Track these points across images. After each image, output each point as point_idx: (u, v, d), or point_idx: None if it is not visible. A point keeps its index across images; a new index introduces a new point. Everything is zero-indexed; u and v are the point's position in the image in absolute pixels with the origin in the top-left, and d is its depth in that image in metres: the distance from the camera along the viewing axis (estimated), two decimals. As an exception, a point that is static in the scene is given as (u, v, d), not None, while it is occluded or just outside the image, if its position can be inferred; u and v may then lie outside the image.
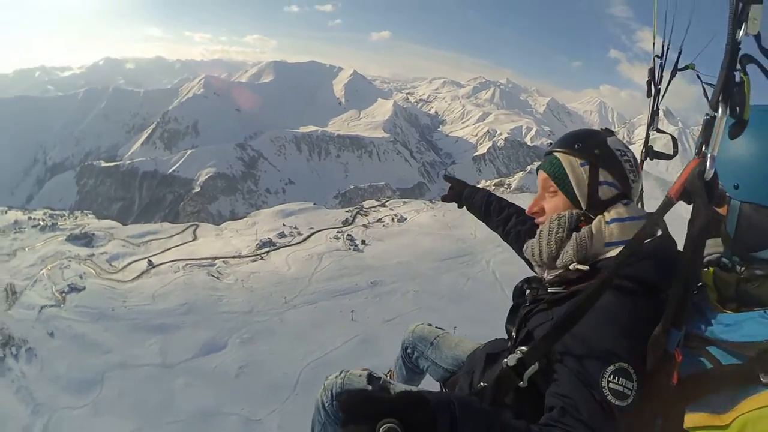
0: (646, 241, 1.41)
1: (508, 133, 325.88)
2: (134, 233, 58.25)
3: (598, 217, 1.73)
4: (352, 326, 35.63)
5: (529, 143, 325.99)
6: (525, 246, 1.96)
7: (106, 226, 60.91)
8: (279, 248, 54.74)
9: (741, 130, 1.15)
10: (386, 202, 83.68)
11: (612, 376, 1.34)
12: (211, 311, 38.02)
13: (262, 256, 52.21)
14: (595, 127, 2.13)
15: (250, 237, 58.64)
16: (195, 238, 59.11)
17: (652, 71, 2.41)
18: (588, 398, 1.33)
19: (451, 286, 42.74)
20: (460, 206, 3.18)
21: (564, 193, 1.83)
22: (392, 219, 66.26)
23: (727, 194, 1.40)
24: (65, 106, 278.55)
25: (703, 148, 1.23)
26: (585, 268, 1.63)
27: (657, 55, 2.37)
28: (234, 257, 51.34)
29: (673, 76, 2.28)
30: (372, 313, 37.77)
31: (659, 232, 1.51)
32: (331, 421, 2.50)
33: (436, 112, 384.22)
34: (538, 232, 1.87)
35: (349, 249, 53.88)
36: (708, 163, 1.18)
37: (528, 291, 1.91)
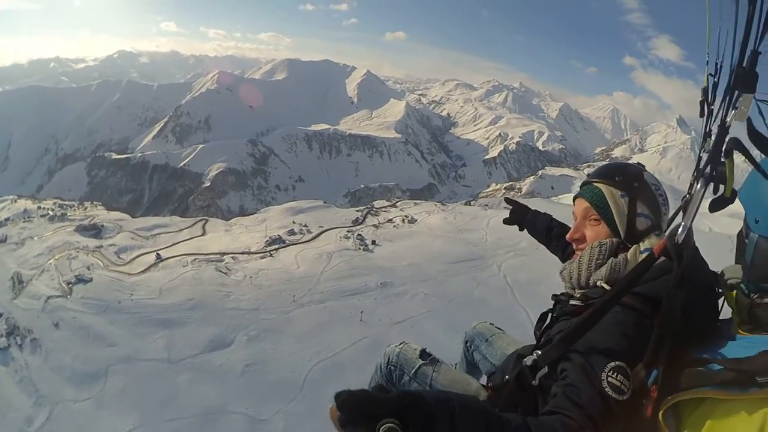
0: (657, 262, 1.62)
1: (519, 137, 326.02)
2: (143, 226, 58.13)
3: (634, 246, 1.89)
4: (360, 327, 35.04)
5: (540, 148, 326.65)
6: (562, 268, 2.10)
7: (115, 218, 60.87)
8: (288, 246, 54.34)
9: (719, 207, 1.35)
10: (397, 202, 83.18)
11: (611, 371, 1.47)
12: (218, 307, 37.57)
13: (271, 253, 51.78)
14: (630, 162, 2.21)
15: (260, 233, 58.32)
16: (204, 233, 58.88)
17: (705, 90, 2.26)
18: (588, 387, 1.47)
19: (461, 290, 42.03)
20: (521, 229, 3.40)
21: (606, 223, 1.98)
22: (403, 220, 65.78)
23: (748, 228, 1.47)
24: (79, 98, 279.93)
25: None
26: (608, 287, 1.80)
27: (710, 74, 2.22)
28: (243, 253, 50.92)
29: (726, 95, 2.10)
30: (381, 314, 37.17)
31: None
32: (385, 381, 2.89)
33: (448, 114, 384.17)
34: (578, 257, 2.00)
35: (359, 249, 53.37)
36: (680, 230, 1.36)
37: (556, 303, 2.08)
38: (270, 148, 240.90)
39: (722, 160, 1.39)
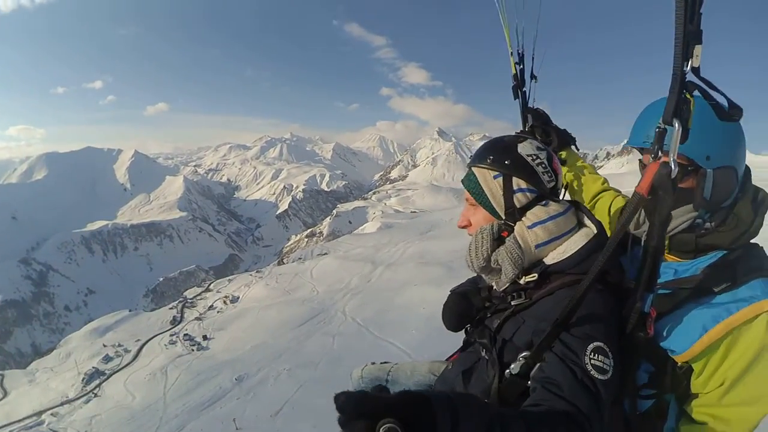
0: (586, 242, 1.80)
1: (304, 185, 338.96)
2: (-69, 417, 47.07)
3: (518, 223, 1.89)
4: (240, 437, 31.94)
5: (326, 189, 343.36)
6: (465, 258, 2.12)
7: None
8: (111, 376, 48.16)
9: (687, 137, 1.55)
10: (209, 285, 79.38)
11: (593, 353, 1.55)
12: (62, 484, 31.50)
13: (95, 392, 45.33)
14: (509, 134, 2.18)
15: (71, 372, 50.76)
16: (5, 394, 49.77)
17: (515, 77, 2.85)
18: (568, 376, 1.51)
19: (321, 350, 40.85)
20: None
21: (483, 206, 1.98)
22: (224, 302, 63.12)
23: (699, 166, 1.73)
24: None
25: (659, 153, 1.56)
26: (533, 278, 1.85)
27: (516, 62, 2.82)
28: (62, 404, 43.74)
29: (533, 78, 2.84)
30: (254, 412, 34.09)
31: (592, 229, 1.87)
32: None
33: (228, 179, 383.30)
34: (468, 245, 2.03)
35: (193, 350, 49.38)
36: (673, 166, 1.53)
37: (486, 302, 2.10)
38: (46, 264, 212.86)
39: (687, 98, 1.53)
